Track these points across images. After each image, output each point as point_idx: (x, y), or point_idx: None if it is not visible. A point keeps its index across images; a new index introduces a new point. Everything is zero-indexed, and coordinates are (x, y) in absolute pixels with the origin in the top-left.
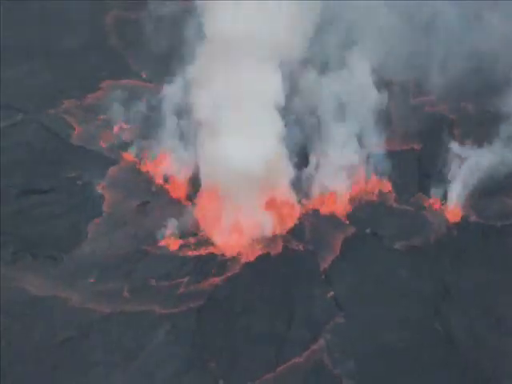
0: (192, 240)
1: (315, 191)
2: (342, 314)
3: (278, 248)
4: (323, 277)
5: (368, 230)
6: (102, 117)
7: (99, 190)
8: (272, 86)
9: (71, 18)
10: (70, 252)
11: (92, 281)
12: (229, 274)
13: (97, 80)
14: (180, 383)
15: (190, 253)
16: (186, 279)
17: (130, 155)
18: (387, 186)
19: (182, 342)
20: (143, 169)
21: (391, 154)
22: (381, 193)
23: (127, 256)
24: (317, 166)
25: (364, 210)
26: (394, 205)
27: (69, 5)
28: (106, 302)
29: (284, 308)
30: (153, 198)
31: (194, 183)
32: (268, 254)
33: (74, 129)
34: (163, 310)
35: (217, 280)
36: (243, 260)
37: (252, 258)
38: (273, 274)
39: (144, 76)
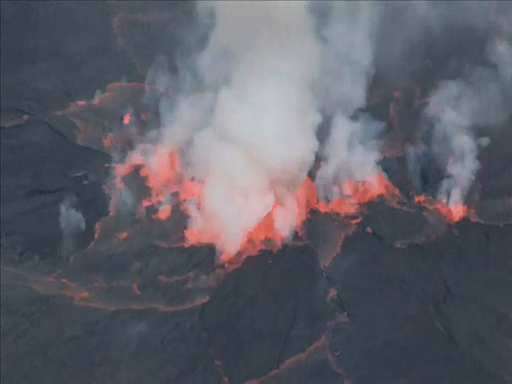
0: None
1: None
2: (343, 312)
3: (279, 245)
4: (324, 275)
5: (369, 229)
6: (108, 118)
7: (106, 189)
8: None
9: (78, 20)
10: (77, 251)
11: (98, 280)
12: (232, 269)
13: (103, 82)
14: (185, 381)
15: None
16: (193, 273)
17: (136, 156)
18: (390, 187)
19: (187, 340)
20: (149, 170)
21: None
22: (383, 194)
23: (134, 254)
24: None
25: (365, 210)
26: (395, 205)
27: (76, 7)
28: (112, 300)
29: (286, 306)
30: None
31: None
32: (269, 251)
33: (81, 130)
34: (168, 307)
35: (222, 273)
36: (245, 255)
37: (253, 254)
38: (274, 272)
39: (150, 79)
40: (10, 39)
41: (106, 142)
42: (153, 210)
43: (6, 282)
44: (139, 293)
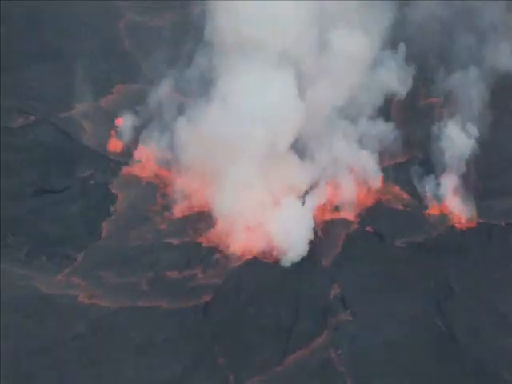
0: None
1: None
2: (345, 310)
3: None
4: (326, 273)
5: (369, 228)
6: (114, 120)
7: (112, 189)
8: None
9: (85, 21)
10: (84, 251)
11: (107, 277)
12: (234, 266)
13: (109, 84)
14: (189, 379)
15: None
16: (199, 271)
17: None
18: (393, 188)
19: (191, 338)
20: (155, 170)
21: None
22: (386, 195)
23: (144, 250)
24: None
25: (365, 209)
26: (397, 205)
27: (82, 9)
28: (118, 297)
29: (289, 303)
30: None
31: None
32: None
33: (87, 131)
34: (171, 305)
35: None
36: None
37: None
38: (276, 269)
39: (156, 81)
40: (17, 40)
41: (117, 146)
42: (164, 208)
43: (11, 281)
44: (146, 289)
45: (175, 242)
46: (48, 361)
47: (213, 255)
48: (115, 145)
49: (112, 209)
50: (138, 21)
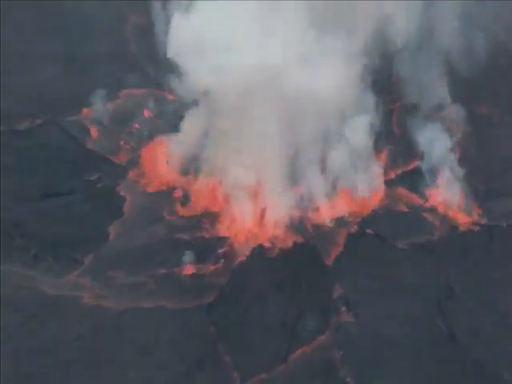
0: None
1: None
2: (347, 310)
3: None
4: (328, 274)
5: (370, 231)
6: (121, 124)
7: (120, 192)
8: None
9: (92, 25)
10: (91, 253)
11: (115, 278)
12: (238, 265)
13: (116, 88)
14: (194, 379)
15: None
16: (204, 269)
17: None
18: (396, 190)
19: (195, 338)
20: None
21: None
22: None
23: (148, 253)
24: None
25: (367, 211)
26: (399, 207)
27: (89, 12)
28: (123, 298)
29: (293, 301)
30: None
31: None
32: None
33: (94, 134)
34: (175, 305)
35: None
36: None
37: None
38: (279, 267)
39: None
40: (24, 43)
41: (123, 152)
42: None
43: (16, 282)
44: (154, 287)
45: (184, 240)
46: (49, 361)
47: (220, 250)
48: (123, 148)
49: (120, 211)
50: (145, 24)
